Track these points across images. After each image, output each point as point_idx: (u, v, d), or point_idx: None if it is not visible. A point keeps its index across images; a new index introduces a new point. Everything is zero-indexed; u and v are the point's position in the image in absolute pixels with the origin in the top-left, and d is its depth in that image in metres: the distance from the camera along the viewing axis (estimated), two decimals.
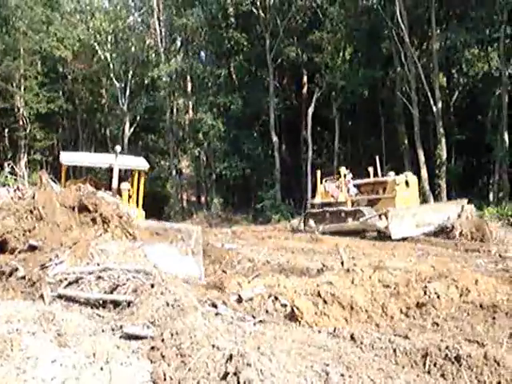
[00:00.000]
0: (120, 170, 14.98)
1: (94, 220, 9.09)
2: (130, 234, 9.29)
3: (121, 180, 15.13)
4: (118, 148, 14.32)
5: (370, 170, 21.73)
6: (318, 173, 22.62)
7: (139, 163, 16.40)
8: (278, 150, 35.49)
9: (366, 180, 21.53)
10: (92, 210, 9.12)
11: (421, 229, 17.16)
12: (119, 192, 14.85)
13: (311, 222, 21.61)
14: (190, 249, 10.83)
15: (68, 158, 16.70)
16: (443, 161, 28.22)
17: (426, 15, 30.14)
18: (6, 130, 44.75)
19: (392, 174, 20.67)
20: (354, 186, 21.24)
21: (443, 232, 16.70)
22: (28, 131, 43.43)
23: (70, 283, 6.84)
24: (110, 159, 15.49)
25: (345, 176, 21.30)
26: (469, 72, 35.65)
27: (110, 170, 16.23)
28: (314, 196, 23.50)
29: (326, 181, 22.28)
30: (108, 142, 46.50)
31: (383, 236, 17.68)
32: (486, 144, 29.64)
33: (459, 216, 17.23)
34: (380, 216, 17.98)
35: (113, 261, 7.44)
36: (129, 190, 15.31)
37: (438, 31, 29.76)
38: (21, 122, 43.11)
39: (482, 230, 15.87)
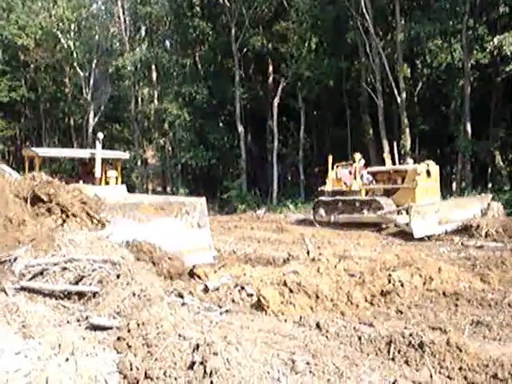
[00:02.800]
0: (91, 160, 14.76)
1: (49, 210, 8.57)
2: (98, 221, 8.85)
3: (90, 170, 15.01)
4: (101, 135, 13.84)
5: (386, 157, 21.01)
6: (330, 158, 20.79)
7: (119, 153, 16.37)
8: (243, 140, 35.46)
9: (382, 168, 20.32)
10: (47, 200, 8.57)
11: (443, 226, 16.00)
12: (106, 180, 14.80)
13: (322, 212, 20.38)
14: (195, 222, 10.75)
15: (43, 150, 16.44)
16: (407, 151, 28.47)
17: (391, 6, 30.31)
18: None
19: (411, 161, 19.81)
20: (369, 173, 19.87)
21: (467, 230, 15.48)
22: None
23: (34, 275, 6.73)
24: (86, 153, 15.36)
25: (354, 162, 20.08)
26: (432, 63, 35.96)
27: (83, 163, 16.16)
28: (324, 183, 21.61)
29: (337, 167, 20.75)
30: (72, 131, 46.20)
31: (404, 233, 16.23)
32: (449, 134, 30.01)
33: (485, 213, 16.54)
34: (399, 211, 17.07)
35: (80, 251, 7.32)
36: (116, 178, 15.19)
37: (402, 22, 29.90)
38: None
39: (511, 230, 14.73)
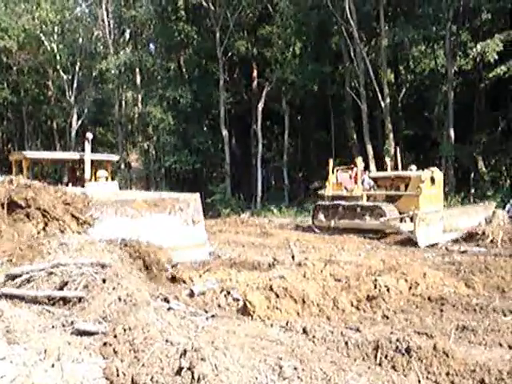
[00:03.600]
0: (80, 164, 14.65)
1: (28, 215, 8.25)
2: (84, 222, 8.63)
3: (80, 175, 14.92)
4: (90, 135, 13.60)
5: (388, 161, 20.58)
6: (331, 162, 20.34)
7: (108, 155, 16.27)
8: (227, 144, 35.45)
9: (385, 173, 19.91)
10: (25, 206, 8.27)
11: (448, 235, 15.63)
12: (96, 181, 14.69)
13: (321, 217, 19.73)
14: (190, 218, 10.63)
15: (31, 153, 16.29)
16: (391, 155, 28.60)
17: (375, 12, 30.49)
18: None
19: (414, 168, 19.12)
20: (370, 178, 19.39)
21: (472, 238, 15.03)
22: None
23: (21, 283, 6.66)
24: (75, 155, 15.24)
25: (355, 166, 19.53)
26: (416, 69, 36.23)
27: (72, 167, 16.06)
28: (324, 187, 20.96)
29: (337, 171, 20.29)
30: (55, 134, 46.03)
31: (408, 241, 15.74)
32: (432, 139, 30.19)
33: (490, 221, 16.09)
34: (402, 219, 16.73)
35: (69, 255, 7.24)
36: (106, 178, 15.06)
37: (386, 28, 30.10)
38: None
39: None
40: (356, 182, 18.95)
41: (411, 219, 15.88)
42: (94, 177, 14.66)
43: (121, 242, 8.61)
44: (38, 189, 8.46)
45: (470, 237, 15.11)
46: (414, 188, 17.35)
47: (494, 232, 14.69)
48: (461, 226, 15.76)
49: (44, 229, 8.21)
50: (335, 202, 19.20)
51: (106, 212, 9.41)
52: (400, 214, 17.01)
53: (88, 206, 8.83)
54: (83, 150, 13.97)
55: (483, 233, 14.76)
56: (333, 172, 20.08)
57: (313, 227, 19.86)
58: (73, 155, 15.56)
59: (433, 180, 17.43)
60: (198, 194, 11.20)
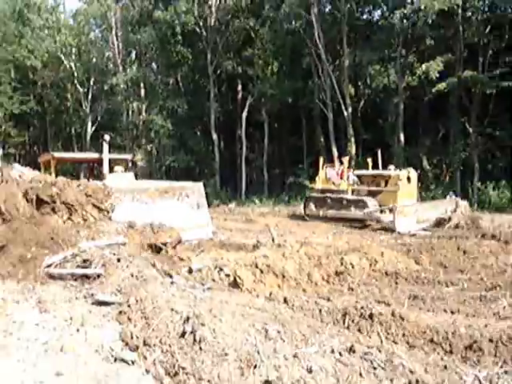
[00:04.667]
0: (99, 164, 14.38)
1: (53, 209, 8.02)
2: (104, 210, 8.43)
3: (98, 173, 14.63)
4: (107, 137, 13.18)
5: (369, 161, 19.92)
6: (321, 159, 20.02)
7: (123, 155, 15.96)
8: (217, 147, 35.36)
9: (368, 171, 19.37)
10: (50, 202, 8.04)
11: (421, 224, 15.53)
12: None
13: (312, 206, 19.19)
14: (195, 203, 10.48)
15: (58, 153, 15.93)
16: (353, 156, 28.70)
17: (339, 37, 30.46)
18: None
19: (392, 167, 18.88)
20: (355, 175, 18.92)
21: (440, 225, 15.13)
22: (3, 129, 42.68)
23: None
24: (95, 155, 14.87)
25: (342, 163, 19.21)
26: (372, 84, 36.27)
27: (90, 168, 15.76)
28: (314, 180, 20.44)
29: (326, 167, 19.87)
30: (73, 138, 45.77)
31: (387, 229, 15.59)
32: (386, 143, 30.30)
33: (454, 211, 15.87)
34: (382, 211, 16.55)
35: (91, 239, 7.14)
36: (122, 172, 14.83)
37: (348, 50, 30.11)
38: None
39: (477, 223, 14.55)
40: (342, 178, 18.66)
41: (390, 211, 15.84)
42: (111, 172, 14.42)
43: (128, 224, 8.56)
44: (62, 185, 8.24)
45: (439, 223, 15.17)
46: (393, 185, 17.21)
47: (458, 218, 14.87)
48: (431, 216, 15.70)
49: (69, 218, 8.03)
50: (324, 195, 18.86)
51: (124, 198, 9.29)
52: (380, 206, 16.86)
53: (108, 195, 8.65)
54: (97, 150, 13.67)
55: (449, 219, 14.87)
56: (322, 168, 19.80)
57: (304, 215, 19.44)
58: (93, 155, 15.24)
59: (409, 178, 17.32)
60: (201, 183, 11.06)
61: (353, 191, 18.26)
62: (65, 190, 8.16)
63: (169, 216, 9.26)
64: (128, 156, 16.04)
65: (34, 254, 6.69)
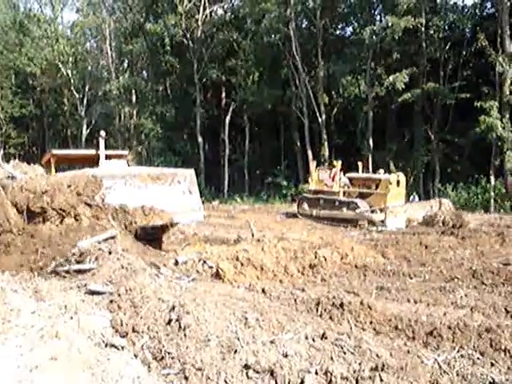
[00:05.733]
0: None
1: (44, 218, 7.35)
2: (96, 206, 7.93)
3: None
4: (103, 133, 12.80)
5: (360, 165, 19.43)
6: (314, 163, 19.54)
7: (118, 151, 15.58)
8: (202, 149, 35.26)
9: (360, 175, 18.83)
10: (41, 212, 7.34)
11: (410, 223, 15.36)
12: None
13: (305, 206, 18.72)
14: (186, 189, 10.14)
15: (57, 150, 15.46)
16: (326, 159, 28.83)
17: (314, 50, 30.57)
18: None
19: (381, 171, 18.60)
20: (348, 178, 18.44)
21: (427, 222, 14.67)
22: (4, 130, 42.66)
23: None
24: (92, 151, 14.51)
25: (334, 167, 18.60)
26: (344, 94, 36.44)
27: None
28: (307, 182, 19.85)
29: (318, 170, 19.37)
30: (69, 140, 45.35)
31: (376, 226, 15.50)
32: (356, 147, 30.45)
33: (439, 208, 15.74)
34: (373, 210, 16.31)
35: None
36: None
37: (323, 62, 30.22)
38: None
39: (460, 218, 14.19)
40: (333, 180, 18.21)
41: (381, 211, 15.86)
42: None
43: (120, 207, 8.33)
44: (53, 192, 7.49)
45: (427, 222, 14.75)
46: (383, 188, 16.83)
47: (443, 214, 14.56)
48: (419, 216, 15.40)
49: (61, 222, 7.52)
50: (317, 196, 18.44)
51: (117, 183, 8.97)
52: (370, 207, 16.63)
53: (99, 187, 8.17)
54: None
55: (435, 216, 14.51)
56: (315, 171, 19.34)
57: (297, 214, 18.89)
58: (90, 151, 14.85)
59: (398, 182, 17.03)
60: (192, 170, 10.72)
61: (344, 193, 17.93)
62: (55, 196, 7.51)
63: (161, 200, 9.01)
64: (124, 152, 15.68)
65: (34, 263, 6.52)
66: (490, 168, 24.01)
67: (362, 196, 17.27)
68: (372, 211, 16.36)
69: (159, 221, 8.76)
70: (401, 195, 17.27)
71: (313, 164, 19.59)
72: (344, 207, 17.06)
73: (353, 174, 18.76)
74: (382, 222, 15.44)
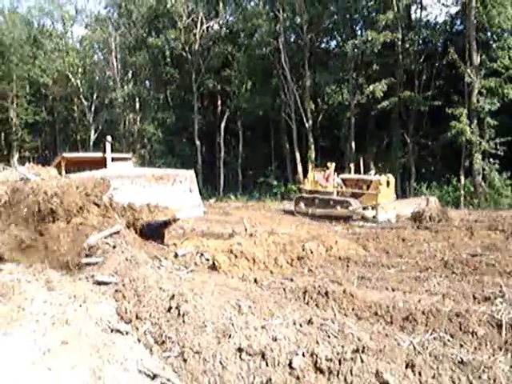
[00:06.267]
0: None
1: (54, 219, 6.98)
2: (104, 206, 7.70)
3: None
4: (109, 138, 12.68)
5: (352, 167, 19.25)
6: (311, 166, 19.07)
7: (124, 154, 15.41)
8: (199, 152, 35.16)
9: (352, 176, 18.63)
10: (50, 214, 6.97)
11: (399, 218, 15.21)
12: None
13: (302, 205, 18.43)
14: (187, 188, 10.03)
15: (68, 154, 15.25)
16: (312, 160, 28.85)
17: (302, 62, 30.55)
18: (3, 134, 43.73)
19: (372, 172, 18.41)
20: (341, 179, 18.28)
21: (415, 218, 14.07)
22: (19, 135, 42.51)
23: None
24: (100, 154, 14.31)
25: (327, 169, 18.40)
26: (329, 101, 36.49)
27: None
28: (295, 182, 19.81)
29: (314, 171, 19.15)
30: (78, 144, 45.12)
31: (367, 222, 15.50)
32: (340, 150, 30.49)
33: (426, 205, 15.20)
34: (365, 207, 16.27)
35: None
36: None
37: (309, 73, 30.23)
38: (14, 129, 42.15)
39: (446, 214, 13.97)
40: (328, 181, 18.10)
41: (372, 208, 15.89)
42: None
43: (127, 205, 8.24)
44: (62, 192, 7.23)
45: (415, 218, 14.18)
46: (374, 188, 16.74)
47: (429, 211, 14.12)
48: (407, 211, 14.94)
49: (69, 222, 7.17)
50: (313, 195, 18.21)
51: (124, 183, 8.88)
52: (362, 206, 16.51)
53: (107, 187, 8.00)
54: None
55: (423, 212, 14.04)
56: (311, 172, 19.21)
57: (295, 212, 18.58)
58: (99, 154, 14.64)
59: (388, 183, 16.96)
60: (192, 171, 10.65)
61: (338, 193, 17.75)
62: (64, 198, 7.21)
63: (165, 198, 8.92)
64: (128, 155, 15.50)
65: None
66: (460, 168, 24.14)
67: (354, 195, 17.15)
68: (364, 208, 16.30)
69: (163, 217, 8.68)
70: (390, 195, 17.15)
71: (310, 166, 19.34)
72: (338, 205, 16.89)
73: (346, 176, 18.62)
74: (374, 217, 15.47)
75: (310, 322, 4.11)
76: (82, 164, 12.54)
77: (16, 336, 3.81)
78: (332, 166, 18.23)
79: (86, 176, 8.30)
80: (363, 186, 17.37)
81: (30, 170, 8.71)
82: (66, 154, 13.31)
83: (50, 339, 3.79)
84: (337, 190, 17.86)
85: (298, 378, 3.34)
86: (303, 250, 8.43)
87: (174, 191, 9.73)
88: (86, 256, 6.17)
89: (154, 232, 8.88)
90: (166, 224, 9.24)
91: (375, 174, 18.29)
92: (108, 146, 11.81)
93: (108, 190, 7.93)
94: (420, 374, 3.29)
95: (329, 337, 3.81)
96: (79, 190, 7.50)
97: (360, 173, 18.69)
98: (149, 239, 8.46)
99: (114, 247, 6.27)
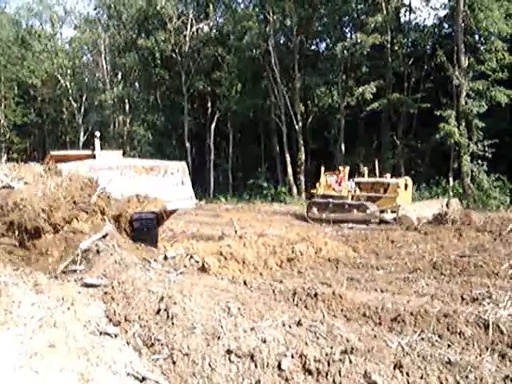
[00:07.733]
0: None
1: (39, 235, 6.68)
2: (92, 211, 7.42)
3: None
4: (98, 133, 12.40)
5: (365, 170, 18.50)
6: (322, 168, 18.48)
7: (115, 151, 15.22)
8: (189, 153, 35.08)
9: (367, 179, 17.91)
10: (36, 232, 6.67)
11: (420, 220, 14.51)
12: None
13: (314, 210, 17.71)
14: (179, 180, 9.85)
15: (56, 151, 14.93)
16: (302, 162, 28.91)
17: (291, 64, 30.61)
18: None
19: (388, 175, 17.87)
20: (356, 182, 17.65)
21: (437, 220, 13.71)
22: (7, 137, 42.36)
23: None
24: (88, 151, 14.09)
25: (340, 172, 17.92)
26: (319, 103, 36.57)
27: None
28: (315, 186, 18.74)
29: (326, 175, 18.45)
30: (68, 146, 44.81)
31: (386, 224, 15.26)
32: (330, 152, 30.57)
33: (447, 207, 14.58)
34: (383, 211, 15.89)
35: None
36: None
37: (299, 75, 30.31)
38: (1, 130, 41.91)
39: (469, 217, 13.41)
40: (340, 185, 17.61)
41: (392, 211, 15.63)
42: None
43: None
44: (50, 208, 6.77)
45: (436, 219, 13.90)
46: (392, 192, 16.34)
47: (453, 213, 13.77)
48: (427, 214, 14.54)
49: (55, 233, 6.89)
50: (326, 200, 17.56)
51: (113, 174, 8.69)
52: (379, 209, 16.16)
53: (95, 188, 7.73)
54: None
55: (445, 214, 13.71)
56: (324, 175, 18.53)
57: (307, 218, 17.87)
58: (87, 151, 14.45)
59: (406, 186, 16.53)
60: (184, 162, 10.52)
61: (352, 197, 17.32)
62: (52, 213, 6.82)
63: (155, 190, 8.80)
64: (120, 152, 15.30)
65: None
66: (448, 170, 24.33)
67: (370, 199, 16.73)
68: (382, 211, 15.97)
69: (153, 207, 8.49)
70: (409, 197, 16.78)
71: (322, 170, 18.67)
72: (354, 209, 16.48)
73: (361, 179, 18.05)
74: (395, 219, 15.11)
75: (299, 323, 4.12)
76: (71, 161, 12.33)
77: (3, 339, 3.77)
78: (346, 169, 17.82)
79: (74, 172, 7.98)
80: (380, 189, 16.95)
81: (12, 170, 8.47)
82: (54, 152, 13.15)
83: (38, 342, 3.74)
84: (351, 193, 17.37)
85: (286, 379, 3.35)
86: (293, 251, 8.45)
87: (165, 183, 9.56)
88: (82, 259, 6.11)
89: (144, 227, 8.71)
90: (158, 220, 9.03)
91: (391, 177, 17.95)
92: (97, 142, 11.57)
93: (96, 191, 7.79)
94: (408, 374, 3.32)
95: (318, 338, 3.82)
96: (66, 199, 7.14)
97: (375, 176, 18.23)
98: (138, 241, 8.37)
99: (98, 252, 6.20)
